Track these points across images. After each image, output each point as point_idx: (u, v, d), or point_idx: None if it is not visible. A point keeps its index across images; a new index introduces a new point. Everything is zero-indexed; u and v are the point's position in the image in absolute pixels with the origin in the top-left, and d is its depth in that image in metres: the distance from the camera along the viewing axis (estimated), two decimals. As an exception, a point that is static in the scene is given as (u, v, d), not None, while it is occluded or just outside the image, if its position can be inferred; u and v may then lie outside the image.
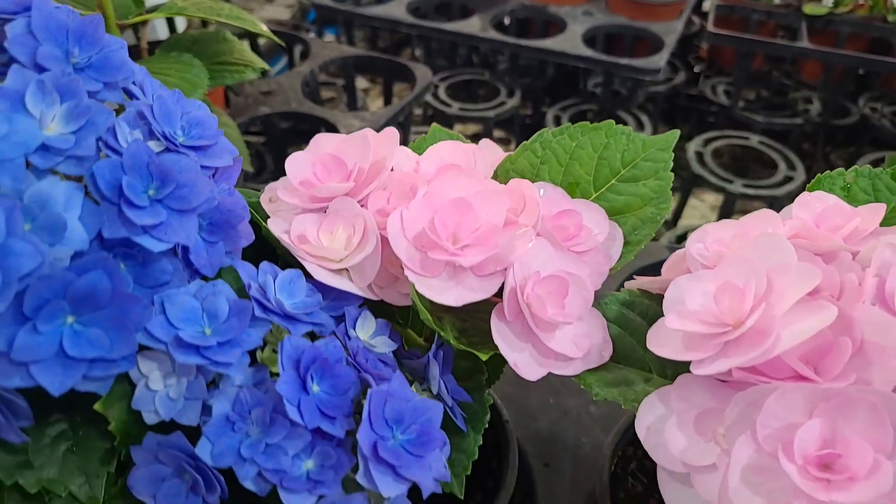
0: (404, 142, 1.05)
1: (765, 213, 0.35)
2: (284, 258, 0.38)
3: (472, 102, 1.23)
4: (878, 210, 0.34)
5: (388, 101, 1.16)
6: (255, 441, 0.28)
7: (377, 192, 0.38)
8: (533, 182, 0.40)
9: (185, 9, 0.64)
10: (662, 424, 0.31)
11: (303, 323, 0.31)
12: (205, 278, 0.31)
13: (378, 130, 0.44)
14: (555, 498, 0.53)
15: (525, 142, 0.42)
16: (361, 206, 0.37)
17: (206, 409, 0.29)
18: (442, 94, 1.24)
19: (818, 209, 0.35)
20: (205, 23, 0.99)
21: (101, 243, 0.27)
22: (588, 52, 1.09)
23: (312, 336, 0.32)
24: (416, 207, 0.35)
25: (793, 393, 0.27)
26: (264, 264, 0.33)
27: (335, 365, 0.30)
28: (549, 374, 0.34)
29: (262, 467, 0.28)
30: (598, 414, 0.58)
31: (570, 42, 1.11)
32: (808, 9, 1.09)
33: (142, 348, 0.28)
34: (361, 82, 1.49)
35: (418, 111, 1.32)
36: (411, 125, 1.11)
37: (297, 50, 1.21)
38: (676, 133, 0.41)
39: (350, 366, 0.31)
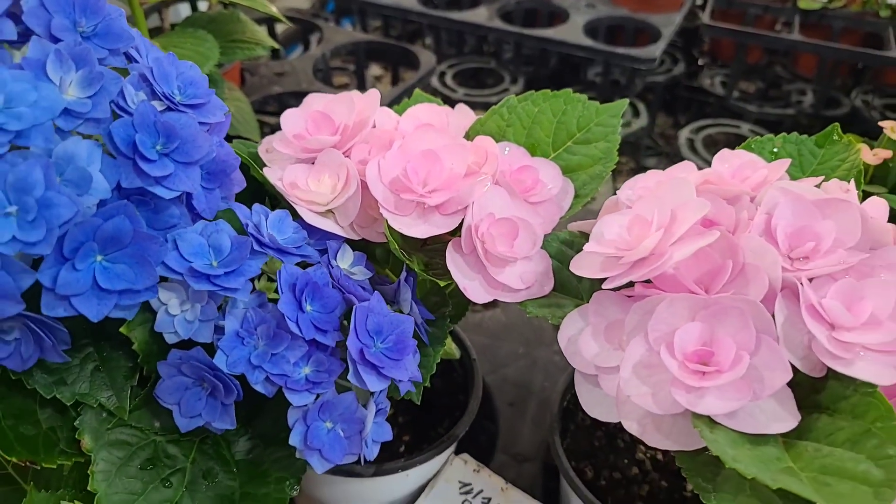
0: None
1: (684, 164, 0.40)
2: (275, 202, 0.44)
3: (478, 89, 1.29)
4: (783, 165, 0.39)
5: (395, 86, 1.22)
6: (261, 351, 0.34)
7: (360, 145, 0.44)
8: (499, 142, 0.46)
9: (203, -10, 0.70)
10: (580, 335, 0.36)
11: (293, 255, 0.36)
12: (205, 220, 0.36)
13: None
14: (516, 431, 0.58)
15: (494, 106, 0.47)
16: (346, 157, 0.43)
17: (218, 329, 0.35)
18: (449, 80, 1.30)
19: (735, 163, 0.40)
20: (226, 6, 1.05)
21: (119, 192, 0.31)
22: (588, 41, 1.13)
23: (303, 266, 0.37)
24: (392, 157, 0.41)
25: (679, 302, 0.32)
26: (256, 206, 0.38)
27: (324, 287, 0.35)
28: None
29: (269, 373, 0.34)
30: (562, 363, 0.64)
31: (571, 32, 1.16)
32: (803, 3, 1.12)
33: (161, 280, 0.32)
34: (375, 70, 1.55)
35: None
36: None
37: (314, 37, 1.27)
38: (625, 102, 0.47)
39: (336, 289, 0.36)
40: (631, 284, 0.35)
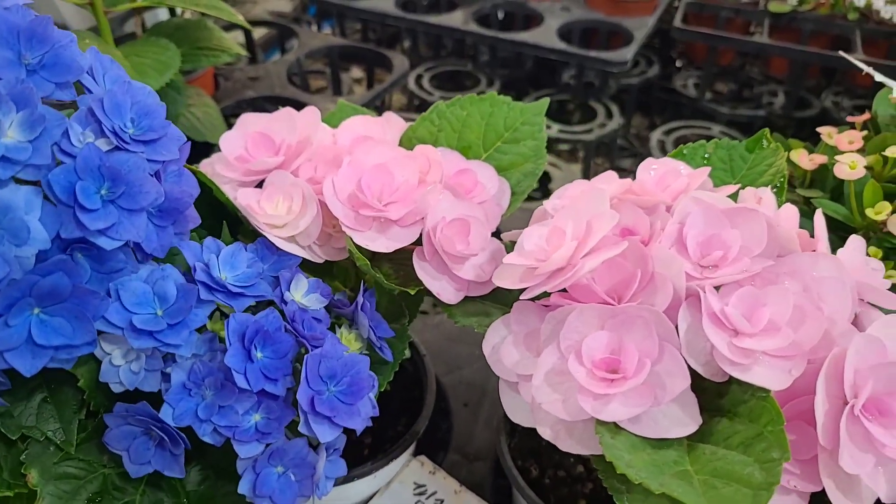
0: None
1: (608, 174, 0.41)
2: (234, 224, 0.44)
3: (455, 92, 1.30)
4: (703, 172, 0.40)
5: (371, 88, 1.23)
6: (209, 403, 0.33)
7: (305, 164, 0.45)
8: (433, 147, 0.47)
9: (167, -1, 0.71)
10: (502, 344, 0.37)
11: (245, 297, 0.35)
12: (157, 259, 0.35)
13: None
14: (469, 431, 0.60)
15: (423, 113, 0.49)
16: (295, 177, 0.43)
17: (165, 376, 0.34)
18: (426, 83, 1.31)
19: (660, 171, 0.42)
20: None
21: (60, 240, 0.29)
22: (561, 45, 1.14)
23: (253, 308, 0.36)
24: (344, 174, 0.42)
25: (589, 311, 0.34)
26: (208, 241, 0.37)
27: (275, 333, 0.34)
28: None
29: (217, 425, 0.33)
30: (517, 366, 0.65)
31: (545, 35, 1.17)
32: (773, 6, 1.13)
33: (103, 331, 0.31)
34: (356, 73, 1.56)
35: (404, 99, 1.39)
36: (390, 111, 1.18)
37: (293, 41, 1.28)
38: (546, 101, 0.49)
39: (288, 332, 0.35)
40: (549, 294, 0.36)
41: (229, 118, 0.93)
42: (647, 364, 0.32)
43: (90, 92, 0.33)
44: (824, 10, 1.12)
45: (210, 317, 0.35)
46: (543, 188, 1.11)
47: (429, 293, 0.41)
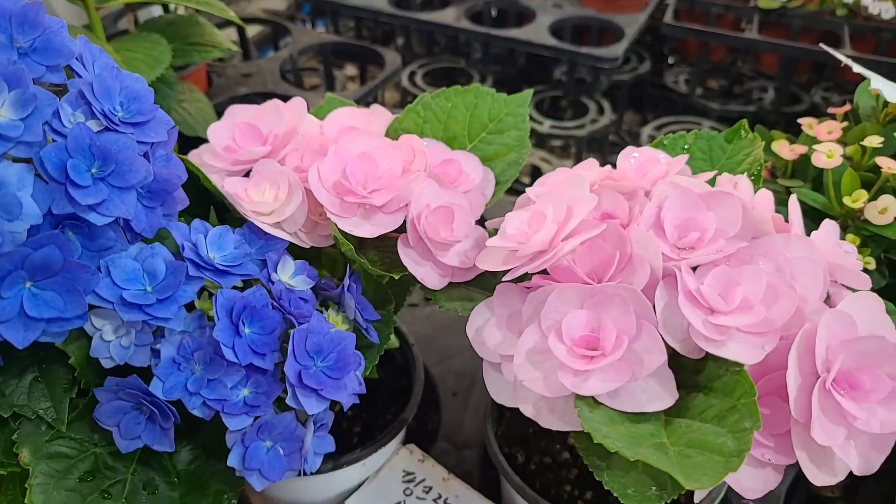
0: (375, 122, 1.12)
1: (588, 161, 0.42)
2: (221, 211, 0.45)
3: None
4: (680, 160, 0.41)
5: (364, 85, 1.24)
6: (198, 377, 0.34)
7: (292, 153, 0.46)
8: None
9: (160, -5, 0.72)
10: (485, 326, 0.38)
11: (232, 275, 0.36)
12: (145, 240, 0.35)
13: None
14: (458, 420, 0.60)
15: (409, 105, 0.50)
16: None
17: (155, 353, 0.34)
18: (419, 80, 1.31)
19: (640, 160, 0.43)
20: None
21: (52, 217, 0.30)
22: (553, 41, 1.15)
23: (242, 286, 0.37)
24: (329, 162, 0.42)
25: (568, 291, 0.35)
26: (196, 222, 0.37)
27: (262, 309, 0.35)
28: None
29: (206, 398, 0.34)
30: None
31: (536, 32, 1.18)
32: (763, 3, 1.14)
33: (94, 306, 0.32)
34: (350, 70, 1.57)
35: (396, 96, 1.40)
36: (385, 108, 1.19)
37: (286, 38, 1.29)
38: (530, 92, 0.49)
39: (275, 309, 0.36)
40: (531, 276, 0.37)
41: (222, 114, 0.94)
42: (625, 341, 0.33)
43: (80, 77, 0.33)
44: (813, 6, 1.13)
45: (199, 295, 0.36)
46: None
47: (414, 280, 0.42)
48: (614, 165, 0.43)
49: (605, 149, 1.25)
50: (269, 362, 0.35)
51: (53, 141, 0.30)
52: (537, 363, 0.35)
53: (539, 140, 1.19)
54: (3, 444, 0.34)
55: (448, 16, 1.25)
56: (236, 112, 0.47)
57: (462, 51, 1.45)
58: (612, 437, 0.30)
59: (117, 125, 0.33)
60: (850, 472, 0.33)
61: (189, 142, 0.80)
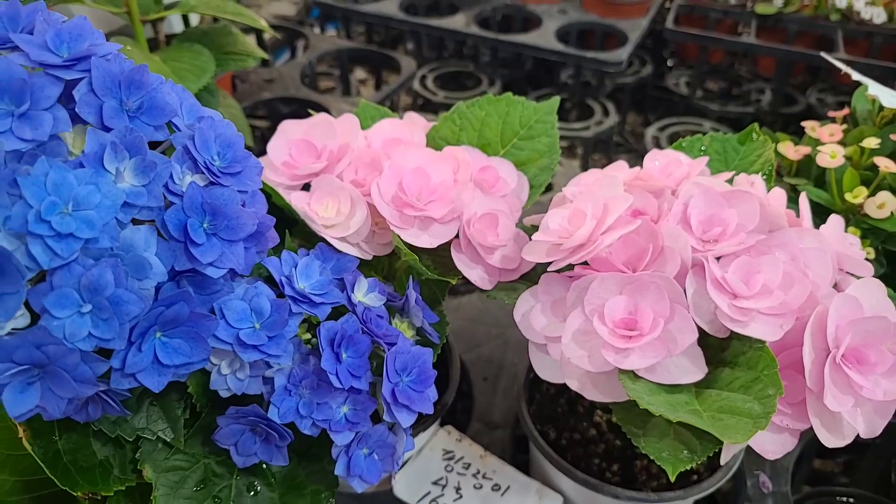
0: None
1: (618, 164, 0.47)
2: (289, 226, 0.48)
3: (458, 91, 1.35)
4: (701, 162, 0.46)
5: (378, 90, 1.28)
6: (307, 402, 0.38)
7: (347, 167, 0.49)
8: (454, 144, 0.52)
9: (197, 7, 0.76)
10: (531, 311, 0.43)
11: (325, 305, 0.39)
12: (242, 278, 0.38)
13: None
14: (489, 403, 0.65)
15: (445, 113, 0.54)
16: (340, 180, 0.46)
17: (265, 380, 0.38)
18: (430, 83, 1.36)
19: (664, 161, 0.47)
20: (215, 18, 1.11)
21: (173, 270, 0.33)
22: (559, 46, 1.20)
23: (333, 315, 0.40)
24: (387, 177, 0.46)
25: (609, 279, 0.39)
26: (285, 255, 0.40)
27: (355, 335, 0.39)
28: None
29: (315, 419, 0.38)
30: (531, 343, 0.70)
31: (543, 37, 1.23)
32: (760, 8, 1.20)
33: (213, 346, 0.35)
34: (360, 73, 1.62)
35: (408, 99, 1.44)
36: (399, 111, 1.23)
37: (300, 43, 1.33)
38: (557, 100, 0.54)
39: (365, 333, 0.40)
40: (572, 267, 0.42)
41: (248, 118, 0.98)
42: (660, 322, 0.37)
43: (178, 129, 0.35)
44: (808, 11, 1.18)
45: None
46: (545, 183, 1.16)
47: (464, 280, 0.46)
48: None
49: (609, 149, 1.30)
50: (365, 383, 0.39)
51: (171, 202, 0.32)
52: (582, 343, 0.39)
53: (547, 141, 1.23)
54: (120, 462, 0.38)
55: (458, 21, 1.29)
56: (289, 128, 0.50)
57: (469, 55, 1.49)
58: (654, 403, 0.35)
59: (219, 177, 0.35)
60: (851, 448, 0.37)
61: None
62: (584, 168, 1.25)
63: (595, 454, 0.56)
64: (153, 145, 0.34)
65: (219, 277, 0.34)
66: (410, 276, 0.46)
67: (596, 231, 0.40)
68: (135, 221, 0.32)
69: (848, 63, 0.70)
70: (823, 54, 0.69)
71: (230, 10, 0.77)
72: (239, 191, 0.35)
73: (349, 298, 0.41)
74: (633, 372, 0.37)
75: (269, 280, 0.40)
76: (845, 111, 0.62)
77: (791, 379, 0.38)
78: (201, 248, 0.32)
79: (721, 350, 0.39)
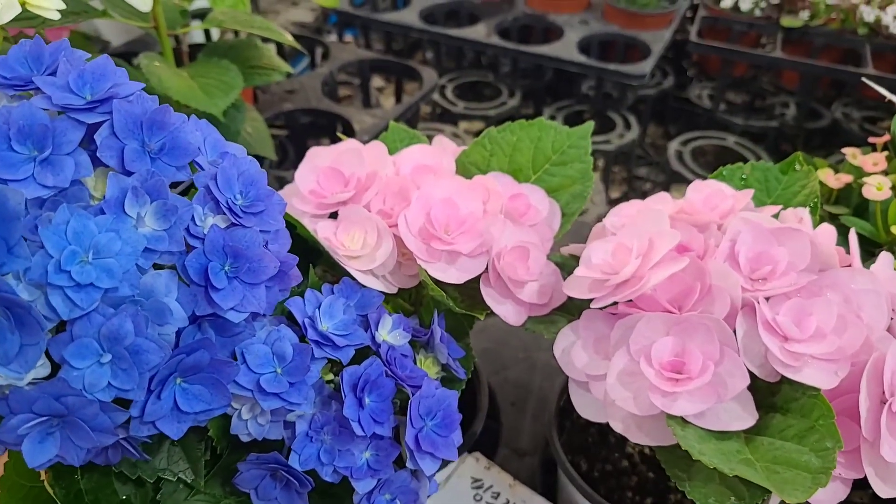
0: (411, 137, 1.16)
1: (661, 196, 0.46)
2: (312, 256, 0.47)
3: (477, 102, 1.34)
4: (747, 195, 0.45)
5: (398, 99, 1.27)
6: (329, 448, 0.37)
7: (375, 197, 0.48)
8: (485, 170, 0.50)
9: (224, 21, 0.76)
10: (572, 347, 0.42)
11: (349, 347, 0.38)
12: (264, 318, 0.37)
13: (387, 127, 0.55)
14: (517, 428, 0.64)
15: (476, 139, 0.53)
16: (367, 210, 0.45)
17: (286, 424, 0.37)
18: (449, 93, 1.35)
19: (706, 192, 0.46)
20: (236, 33, 1.11)
21: (194, 315, 0.32)
22: (581, 58, 1.19)
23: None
24: (414, 209, 0.44)
25: (655, 319, 0.38)
26: (309, 294, 0.40)
27: (378, 379, 0.38)
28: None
29: (337, 466, 0.37)
30: (559, 366, 0.69)
31: (565, 48, 1.22)
32: (786, 21, 1.18)
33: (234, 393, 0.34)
34: (377, 81, 1.61)
35: (427, 109, 1.44)
36: (419, 121, 1.22)
37: (318, 51, 1.33)
38: (591, 124, 0.52)
39: (389, 377, 0.39)
40: (615, 303, 0.41)
41: (269, 128, 0.98)
42: (710, 366, 0.36)
43: (200, 168, 0.35)
44: (835, 24, 1.16)
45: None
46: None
47: (492, 314, 0.44)
48: (639, 178, 0.45)
49: (631, 162, 1.28)
50: (388, 429, 0.38)
51: (192, 246, 0.32)
52: (627, 384, 0.38)
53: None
54: (141, 501, 0.38)
55: (478, 31, 1.29)
56: (317, 155, 0.49)
57: (489, 65, 1.48)
58: (707, 453, 0.34)
59: (241, 217, 0.34)
60: None
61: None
62: (605, 181, 1.24)
63: (628, 487, 0.55)
64: (176, 185, 0.34)
65: (242, 322, 0.33)
66: (435, 311, 0.44)
67: (642, 268, 0.39)
68: (157, 266, 0.31)
69: (876, 80, 0.69)
70: (865, 79, 0.67)
71: (257, 25, 0.76)
72: (262, 230, 0.34)
73: (373, 337, 0.40)
74: (682, 417, 0.36)
75: (292, 317, 0.39)
76: (886, 137, 0.60)
77: (844, 426, 0.37)
78: (222, 293, 0.31)
79: (771, 394, 0.38)
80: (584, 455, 0.57)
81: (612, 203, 1.20)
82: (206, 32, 1.13)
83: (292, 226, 0.45)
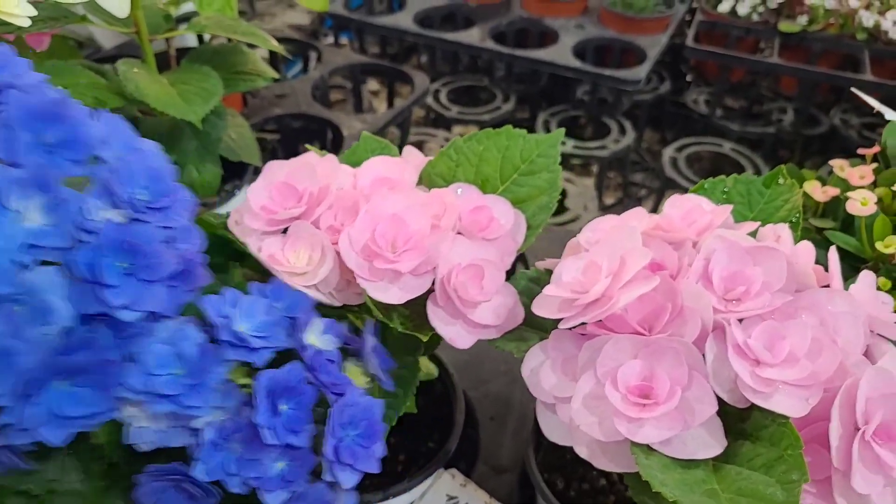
0: (403, 141, 1.16)
1: (637, 211, 0.45)
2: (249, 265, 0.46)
3: (471, 106, 1.33)
4: (726, 210, 0.43)
5: (391, 104, 1.26)
6: (238, 457, 0.34)
7: (326, 211, 0.46)
8: (451, 181, 0.49)
9: (208, 26, 0.75)
10: (540, 367, 0.41)
11: (264, 350, 0.36)
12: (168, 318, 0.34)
13: (378, 132, 0.53)
14: (496, 444, 0.63)
15: (442, 149, 0.51)
16: (315, 225, 0.43)
17: (192, 429, 0.34)
18: (443, 98, 1.34)
19: (685, 207, 0.45)
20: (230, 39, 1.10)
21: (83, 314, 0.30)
22: (576, 62, 1.18)
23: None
24: (360, 224, 0.42)
25: (623, 341, 0.37)
26: (227, 293, 0.37)
27: (298, 385, 0.35)
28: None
29: (245, 477, 0.34)
30: (541, 380, 0.68)
31: (560, 53, 1.20)
32: (784, 26, 1.16)
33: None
34: (373, 85, 1.60)
35: (421, 113, 1.43)
36: (411, 126, 1.21)
37: (313, 54, 1.32)
38: (562, 132, 0.50)
39: (311, 384, 0.36)
40: (585, 323, 0.40)
41: (259, 132, 0.97)
42: (678, 391, 0.35)
43: (104, 162, 0.33)
44: (834, 29, 1.15)
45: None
46: (559, 204, 1.14)
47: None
48: (634, 184, 0.44)
49: (626, 168, 1.27)
50: (305, 438, 0.35)
51: (82, 240, 0.30)
52: (593, 408, 0.37)
53: (561, 160, 1.21)
54: None
55: (473, 35, 1.27)
56: (272, 169, 0.47)
57: (484, 69, 1.47)
58: (669, 484, 0.32)
59: (143, 213, 0.32)
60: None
61: (231, 167, 0.82)
62: (599, 188, 1.22)
63: (605, 506, 0.54)
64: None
65: (136, 321, 0.31)
66: (368, 319, 0.42)
67: (612, 287, 0.38)
68: (47, 263, 0.29)
69: (875, 85, 0.67)
70: (856, 91, 0.66)
71: (242, 30, 0.75)
72: (166, 227, 0.33)
73: (300, 340, 0.38)
74: (647, 445, 0.35)
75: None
76: (875, 149, 0.59)
77: (816, 454, 0.35)
78: (113, 290, 0.30)
79: (741, 420, 0.37)
80: (560, 473, 0.56)
81: (606, 210, 1.19)
82: (200, 37, 1.12)
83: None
